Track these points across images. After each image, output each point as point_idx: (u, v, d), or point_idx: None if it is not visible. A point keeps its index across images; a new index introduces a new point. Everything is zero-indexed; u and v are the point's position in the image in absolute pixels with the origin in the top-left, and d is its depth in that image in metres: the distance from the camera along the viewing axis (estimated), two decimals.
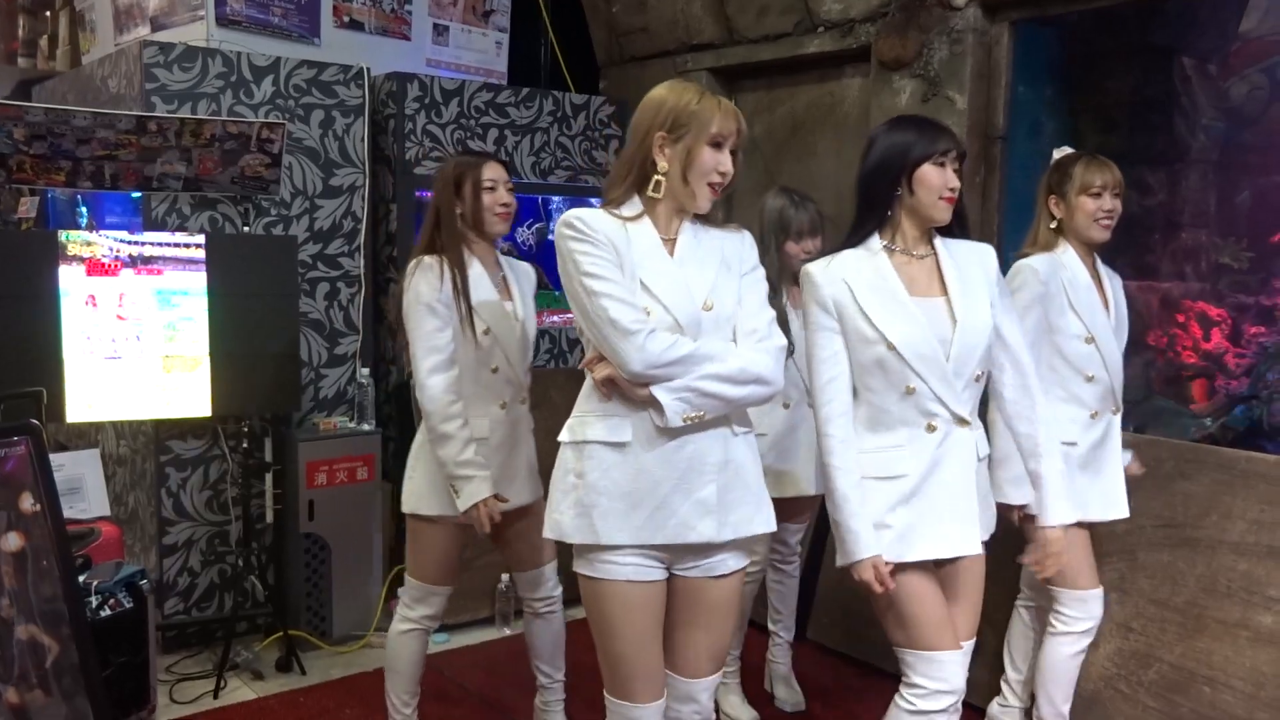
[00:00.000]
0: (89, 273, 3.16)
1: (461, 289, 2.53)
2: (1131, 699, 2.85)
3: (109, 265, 3.18)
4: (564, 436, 2.02)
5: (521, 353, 2.65)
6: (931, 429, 2.07)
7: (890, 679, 2.13)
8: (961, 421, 2.08)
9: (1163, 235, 3.82)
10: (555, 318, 4.36)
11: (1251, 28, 3.60)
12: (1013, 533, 2.44)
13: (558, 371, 4.21)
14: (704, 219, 2.03)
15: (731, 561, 2.02)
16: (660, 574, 1.98)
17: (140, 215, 3.62)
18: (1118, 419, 2.66)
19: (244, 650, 3.49)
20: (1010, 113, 3.62)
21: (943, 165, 2.06)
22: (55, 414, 3.12)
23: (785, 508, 2.91)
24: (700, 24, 4.43)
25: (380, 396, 4.07)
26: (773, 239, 2.88)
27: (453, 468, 2.48)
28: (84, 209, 4.05)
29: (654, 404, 1.88)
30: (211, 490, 3.64)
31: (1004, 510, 2.37)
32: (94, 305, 3.17)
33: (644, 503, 1.92)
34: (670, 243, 1.99)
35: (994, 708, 2.90)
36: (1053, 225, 2.63)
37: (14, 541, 2.08)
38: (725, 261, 2.00)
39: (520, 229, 4.64)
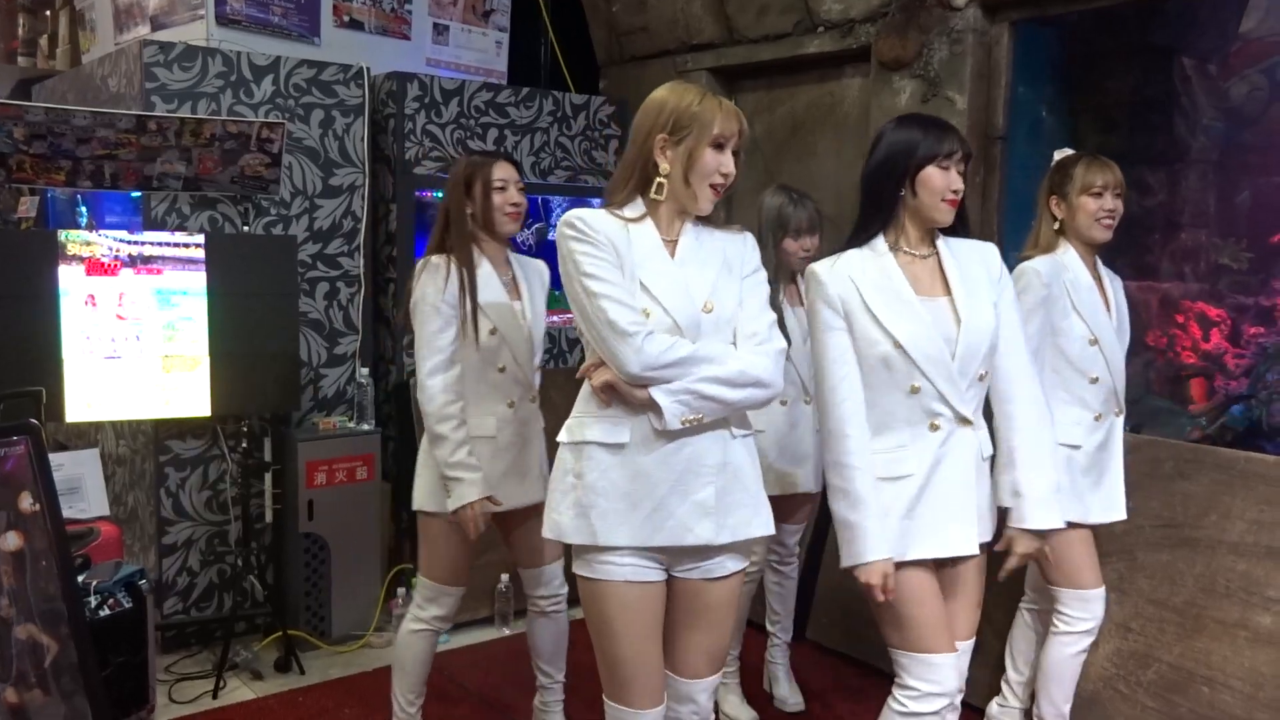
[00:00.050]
0: (89, 272, 3.16)
1: (468, 288, 2.53)
2: (1130, 699, 2.85)
3: (109, 265, 3.18)
4: (562, 437, 2.02)
5: (529, 353, 2.66)
6: (934, 428, 2.06)
7: (889, 679, 2.13)
8: (965, 421, 2.07)
9: (1162, 235, 3.81)
10: (555, 318, 4.35)
11: (1251, 28, 3.60)
12: None
13: (558, 371, 4.21)
14: (706, 220, 2.02)
15: (730, 563, 2.02)
16: (659, 575, 1.97)
17: (140, 215, 3.62)
18: (1120, 421, 2.66)
19: (243, 650, 3.49)
20: (1010, 113, 3.62)
21: (947, 168, 2.05)
22: (55, 413, 3.12)
23: (784, 507, 2.91)
24: (700, 24, 4.42)
25: (380, 396, 4.07)
26: (771, 236, 2.88)
27: (445, 468, 2.49)
28: (84, 208, 4.04)
29: (653, 406, 1.88)
30: (211, 490, 3.64)
31: (1005, 512, 2.37)
32: (93, 305, 3.17)
33: (642, 503, 1.91)
34: (672, 244, 1.98)
35: (993, 708, 2.90)
36: (1055, 226, 2.64)
37: (13, 541, 2.08)
38: (727, 263, 2.00)
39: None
